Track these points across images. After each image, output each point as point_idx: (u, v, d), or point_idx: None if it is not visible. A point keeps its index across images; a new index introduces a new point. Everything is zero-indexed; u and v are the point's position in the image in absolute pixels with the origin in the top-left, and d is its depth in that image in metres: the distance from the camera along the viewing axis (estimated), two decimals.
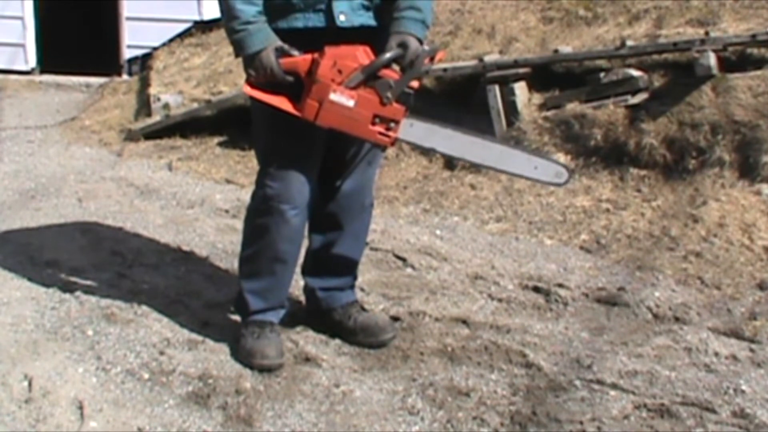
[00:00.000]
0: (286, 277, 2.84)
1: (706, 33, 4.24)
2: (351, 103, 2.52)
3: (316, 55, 2.53)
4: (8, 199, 4.41)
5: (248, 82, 2.60)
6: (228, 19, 2.55)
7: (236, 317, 2.98)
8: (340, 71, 2.51)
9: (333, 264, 2.93)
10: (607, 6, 5.00)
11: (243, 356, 2.76)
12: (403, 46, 2.55)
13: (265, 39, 2.52)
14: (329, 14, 2.58)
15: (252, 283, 2.81)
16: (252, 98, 2.65)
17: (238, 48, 2.55)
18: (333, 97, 2.51)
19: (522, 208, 4.05)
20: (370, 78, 2.51)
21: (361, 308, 2.98)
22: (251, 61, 2.53)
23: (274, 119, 2.63)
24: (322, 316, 2.96)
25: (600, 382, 2.62)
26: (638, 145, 4.13)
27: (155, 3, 6.94)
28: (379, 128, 2.55)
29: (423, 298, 3.21)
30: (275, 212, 2.72)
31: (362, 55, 2.53)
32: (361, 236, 2.97)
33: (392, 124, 2.55)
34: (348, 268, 2.96)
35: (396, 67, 2.56)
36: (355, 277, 3.01)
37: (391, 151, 4.70)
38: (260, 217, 2.77)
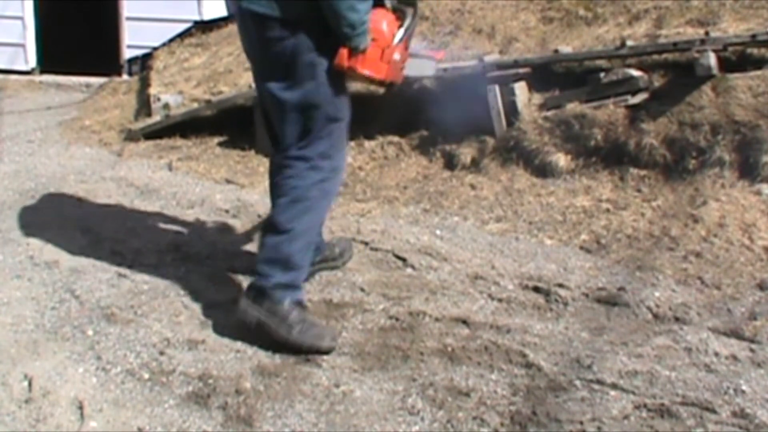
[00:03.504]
0: None
1: (706, 33, 4.24)
2: (398, 56, 2.93)
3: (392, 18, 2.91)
4: (8, 199, 4.41)
5: (342, 60, 2.81)
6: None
7: (236, 317, 2.99)
8: (393, 33, 2.90)
9: None
10: (607, 6, 5.00)
11: (308, 341, 2.83)
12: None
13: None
14: None
15: (305, 258, 2.96)
16: (344, 71, 2.86)
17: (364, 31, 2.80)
18: (396, 56, 2.91)
19: (522, 208, 4.05)
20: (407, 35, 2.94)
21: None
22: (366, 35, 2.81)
23: (338, 89, 2.90)
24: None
25: (600, 382, 2.62)
26: (638, 145, 4.13)
27: (155, 3, 6.94)
28: None
29: (423, 298, 3.21)
30: (339, 180, 3.03)
31: (391, 15, 2.93)
32: None
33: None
34: None
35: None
36: None
37: (391, 151, 4.71)
38: (327, 184, 2.96)
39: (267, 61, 2.92)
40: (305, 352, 2.82)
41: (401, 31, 2.90)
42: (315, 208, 2.96)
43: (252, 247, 3.73)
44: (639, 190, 4.03)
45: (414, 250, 3.65)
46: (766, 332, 2.89)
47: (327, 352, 2.83)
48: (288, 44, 2.82)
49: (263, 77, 2.98)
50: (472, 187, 4.31)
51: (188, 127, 5.41)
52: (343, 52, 2.80)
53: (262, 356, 2.82)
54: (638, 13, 4.82)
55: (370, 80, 2.93)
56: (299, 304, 2.93)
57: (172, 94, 5.80)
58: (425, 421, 2.47)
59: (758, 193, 3.80)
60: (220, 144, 5.23)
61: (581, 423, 2.42)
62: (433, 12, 5.38)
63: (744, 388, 2.57)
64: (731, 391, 2.55)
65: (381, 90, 3.10)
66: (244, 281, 3.37)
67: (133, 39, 7.23)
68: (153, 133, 5.47)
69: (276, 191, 2.99)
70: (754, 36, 4.13)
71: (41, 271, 3.48)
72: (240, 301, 2.94)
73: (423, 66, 3.29)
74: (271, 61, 2.90)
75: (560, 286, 3.28)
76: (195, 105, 5.55)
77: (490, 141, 4.50)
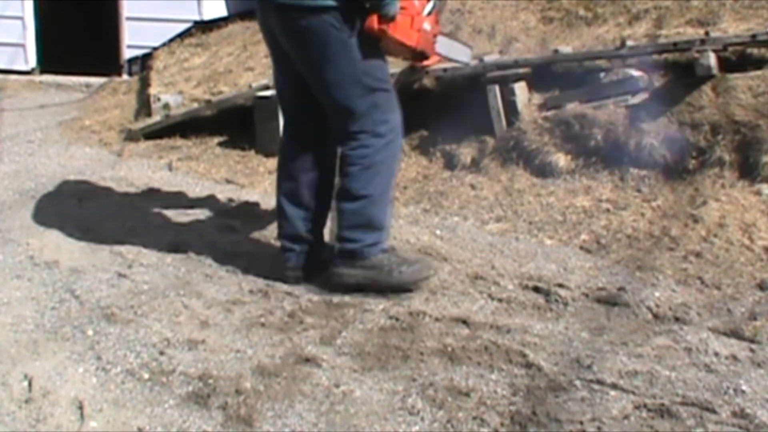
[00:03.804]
0: None
1: (706, 33, 4.24)
2: (428, 26, 3.12)
3: None
4: (8, 199, 4.41)
5: (372, 23, 2.99)
6: None
7: (238, 316, 2.98)
8: (423, 5, 3.11)
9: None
10: (607, 6, 5.00)
11: (415, 276, 3.19)
12: None
13: None
14: None
15: (386, 216, 3.22)
16: (376, 35, 3.03)
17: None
18: (426, 25, 3.11)
19: (522, 208, 4.05)
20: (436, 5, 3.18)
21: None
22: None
23: (374, 61, 3.08)
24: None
25: (600, 382, 2.62)
26: (638, 145, 4.13)
27: (155, 3, 6.93)
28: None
29: (423, 298, 3.21)
30: (400, 139, 3.24)
31: None
32: None
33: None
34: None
35: None
36: None
37: None
38: (391, 146, 3.18)
39: (299, 49, 3.08)
40: (412, 287, 3.20)
41: (430, 4, 3.12)
42: (385, 170, 3.20)
43: (252, 246, 3.73)
44: (639, 190, 4.03)
45: (414, 250, 3.65)
46: (766, 332, 2.89)
47: (428, 278, 3.24)
48: (316, 30, 2.98)
49: (302, 63, 3.12)
50: (472, 187, 4.31)
51: (188, 127, 5.41)
52: (373, 16, 2.98)
53: (262, 356, 2.82)
54: (638, 13, 4.82)
55: (401, 46, 3.08)
56: (387, 250, 3.23)
57: (172, 94, 5.81)
58: (425, 421, 2.47)
59: (758, 193, 3.80)
60: (220, 144, 5.23)
61: (581, 423, 2.42)
62: None
63: (744, 388, 2.57)
64: (731, 391, 2.55)
65: (414, 63, 3.40)
66: (244, 281, 3.38)
67: (133, 39, 7.22)
68: (153, 133, 5.48)
69: (344, 161, 3.19)
70: (754, 36, 4.13)
71: (41, 271, 3.48)
72: (331, 270, 3.23)
73: (459, 50, 3.54)
74: (302, 48, 3.06)
75: (560, 286, 3.28)
76: (195, 105, 5.56)
77: (490, 141, 4.50)
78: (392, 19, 3.00)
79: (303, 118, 3.31)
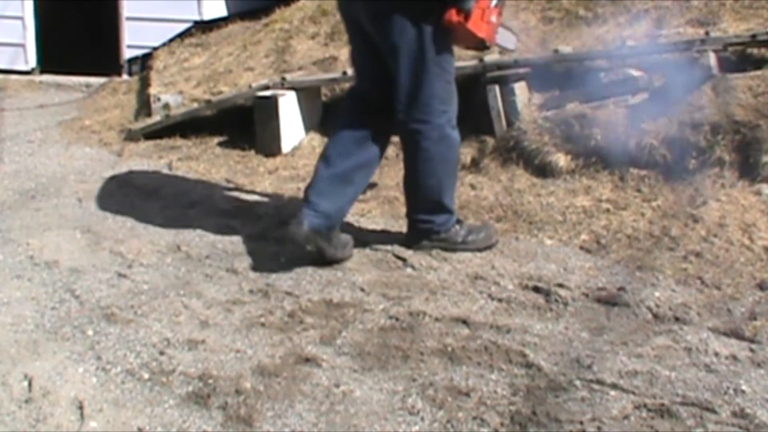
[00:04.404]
0: None
1: (706, 33, 4.24)
2: (495, 19, 3.36)
3: None
4: (8, 199, 4.41)
5: (451, 16, 3.24)
6: None
7: (238, 316, 2.98)
8: None
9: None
10: (607, 6, 5.00)
11: (483, 244, 3.60)
12: None
13: None
14: None
15: (452, 198, 3.57)
16: (453, 26, 3.28)
17: None
18: (493, 18, 3.34)
19: (522, 208, 4.05)
20: None
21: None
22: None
23: (446, 52, 3.36)
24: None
25: (600, 382, 2.62)
26: (638, 145, 4.13)
27: (155, 3, 6.93)
28: None
29: (423, 298, 3.21)
30: (456, 132, 3.47)
31: None
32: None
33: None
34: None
35: None
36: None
37: (391, 151, 4.70)
38: (449, 137, 3.44)
39: (381, 34, 3.34)
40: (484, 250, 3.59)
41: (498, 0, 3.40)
42: (446, 159, 3.48)
43: (252, 246, 3.73)
44: (639, 190, 4.03)
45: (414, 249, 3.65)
46: (766, 332, 2.89)
47: (495, 245, 3.64)
48: (398, 17, 3.25)
49: (383, 47, 3.36)
50: (472, 187, 4.31)
51: (188, 127, 5.41)
52: (452, 10, 3.25)
53: (262, 356, 2.82)
54: (638, 13, 4.82)
55: (472, 37, 3.32)
56: (456, 222, 3.60)
57: (172, 94, 5.80)
58: (425, 421, 2.47)
59: (758, 193, 3.80)
60: (220, 144, 5.23)
61: (581, 423, 2.43)
62: None
63: (744, 388, 2.57)
64: (731, 391, 2.55)
65: (478, 51, 3.72)
66: (244, 281, 3.38)
67: (133, 39, 7.22)
68: (153, 133, 5.47)
69: (407, 153, 3.55)
70: (754, 36, 4.13)
71: (41, 271, 3.49)
72: (416, 244, 3.60)
73: (508, 38, 3.72)
74: (385, 34, 3.32)
75: (560, 286, 3.28)
76: (195, 105, 5.55)
77: (490, 141, 4.50)
78: (469, 11, 3.24)
79: (378, 96, 3.48)
